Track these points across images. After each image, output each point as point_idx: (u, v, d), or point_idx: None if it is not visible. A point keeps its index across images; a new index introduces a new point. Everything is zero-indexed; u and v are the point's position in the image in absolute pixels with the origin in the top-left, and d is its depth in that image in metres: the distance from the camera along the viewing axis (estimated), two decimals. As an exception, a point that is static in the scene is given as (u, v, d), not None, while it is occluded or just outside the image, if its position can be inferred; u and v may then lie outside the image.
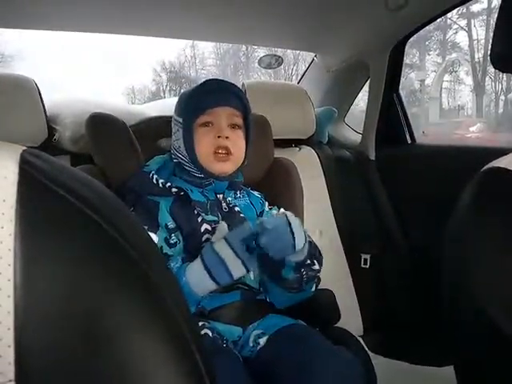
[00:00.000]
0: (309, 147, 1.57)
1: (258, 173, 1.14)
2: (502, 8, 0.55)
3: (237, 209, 0.92)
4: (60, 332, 0.23)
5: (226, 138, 0.88)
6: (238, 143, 0.91)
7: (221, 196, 0.93)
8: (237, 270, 0.74)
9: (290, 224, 0.76)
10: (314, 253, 0.85)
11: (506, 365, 0.51)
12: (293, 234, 0.75)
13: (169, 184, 0.87)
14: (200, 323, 0.77)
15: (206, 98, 0.90)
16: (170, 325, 0.27)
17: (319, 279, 0.91)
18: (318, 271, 0.85)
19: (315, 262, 0.83)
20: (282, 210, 0.85)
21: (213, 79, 0.96)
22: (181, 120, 0.92)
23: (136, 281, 0.26)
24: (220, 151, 0.88)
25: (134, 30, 1.52)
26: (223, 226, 0.79)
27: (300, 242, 0.77)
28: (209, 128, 0.90)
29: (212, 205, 0.90)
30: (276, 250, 0.75)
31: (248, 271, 0.76)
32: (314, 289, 0.88)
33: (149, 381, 0.25)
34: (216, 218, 0.88)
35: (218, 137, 0.88)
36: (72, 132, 1.18)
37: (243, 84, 1.43)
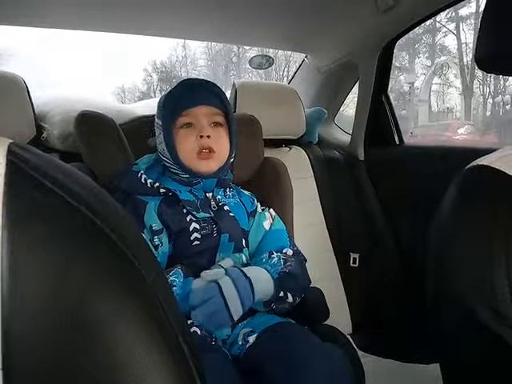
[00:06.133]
0: (299, 147, 1.58)
1: (248, 172, 1.15)
2: (486, 8, 0.56)
3: (226, 208, 0.93)
4: (47, 321, 0.24)
5: (208, 137, 0.88)
6: (220, 142, 0.91)
7: (210, 194, 0.93)
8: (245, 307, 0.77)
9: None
10: (289, 284, 0.84)
11: (489, 362, 0.52)
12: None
13: (157, 184, 0.87)
14: (189, 321, 0.77)
15: (183, 98, 0.90)
16: (157, 317, 0.27)
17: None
18: (293, 303, 0.85)
19: (288, 294, 0.83)
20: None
21: (189, 79, 0.95)
22: (160, 123, 0.92)
23: (123, 271, 0.26)
24: (203, 151, 0.88)
25: (126, 29, 1.51)
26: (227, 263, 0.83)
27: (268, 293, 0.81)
28: (190, 129, 0.89)
29: (202, 203, 0.90)
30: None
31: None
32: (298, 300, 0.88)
33: (137, 373, 0.25)
34: (208, 215, 0.89)
35: (200, 137, 0.88)
36: (60, 130, 1.17)
37: (234, 83, 1.43)
